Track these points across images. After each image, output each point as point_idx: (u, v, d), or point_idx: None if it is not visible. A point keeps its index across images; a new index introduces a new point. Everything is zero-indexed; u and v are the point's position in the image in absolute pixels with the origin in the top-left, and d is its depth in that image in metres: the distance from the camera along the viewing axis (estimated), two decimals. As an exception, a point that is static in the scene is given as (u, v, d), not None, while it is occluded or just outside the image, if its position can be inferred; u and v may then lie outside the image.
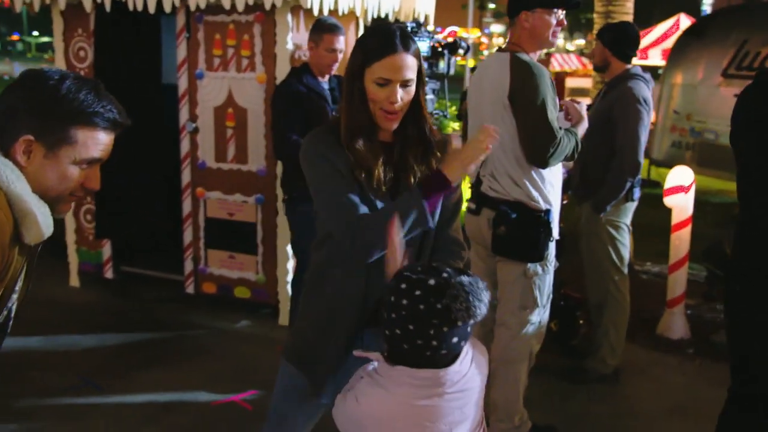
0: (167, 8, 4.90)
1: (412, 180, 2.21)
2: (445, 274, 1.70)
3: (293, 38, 4.89)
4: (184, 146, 5.31)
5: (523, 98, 3.31)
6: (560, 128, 3.33)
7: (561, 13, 3.38)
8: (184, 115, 5.26)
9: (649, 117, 4.20)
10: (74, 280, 5.88)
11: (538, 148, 3.32)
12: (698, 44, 10.05)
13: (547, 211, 3.43)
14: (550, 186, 3.46)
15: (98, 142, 1.68)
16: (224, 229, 5.30)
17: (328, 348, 2.32)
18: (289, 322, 4.57)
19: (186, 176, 5.34)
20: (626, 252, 4.42)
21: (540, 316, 3.55)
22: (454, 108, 8.22)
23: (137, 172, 5.44)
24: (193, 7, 4.84)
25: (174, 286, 5.63)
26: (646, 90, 4.23)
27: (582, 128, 3.46)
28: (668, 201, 5.08)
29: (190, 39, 5.14)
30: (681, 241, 5.10)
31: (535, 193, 3.40)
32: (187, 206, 5.37)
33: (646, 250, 7.03)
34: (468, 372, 1.77)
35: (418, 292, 1.68)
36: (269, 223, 5.15)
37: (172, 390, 4.25)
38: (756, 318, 2.84)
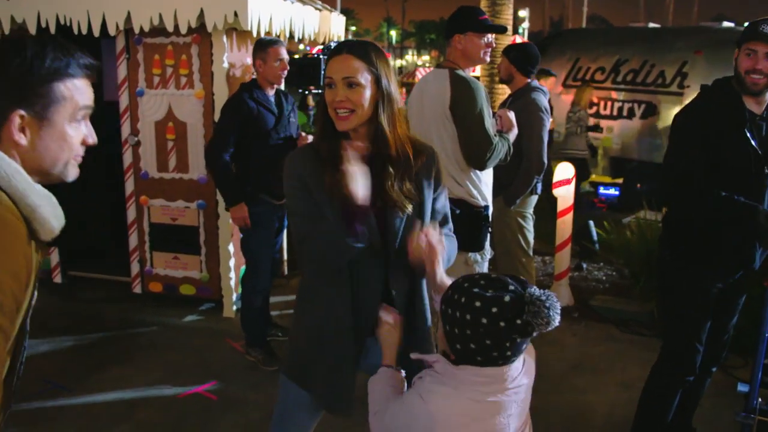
0: (111, 31, 4.37)
1: (389, 185, 1.92)
2: (512, 287, 1.47)
3: (228, 57, 4.50)
4: (127, 158, 4.79)
5: (462, 109, 3.13)
6: (495, 135, 3.17)
7: (490, 36, 3.23)
8: (126, 129, 4.74)
9: (549, 123, 4.13)
10: (22, 287, 5.18)
11: (477, 153, 3.15)
12: (543, 60, 10.33)
13: (486, 207, 3.28)
14: (485, 186, 3.32)
15: (82, 90, 1.35)
16: (168, 232, 4.83)
17: (325, 362, 2.04)
18: (241, 315, 4.20)
19: (130, 186, 4.82)
20: (531, 237, 4.35)
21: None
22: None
23: (83, 183, 4.89)
24: (137, 30, 4.33)
25: (121, 287, 5.09)
26: (545, 100, 4.16)
27: (512, 134, 3.32)
28: (556, 192, 5.05)
29: (129, 60, 4.63)
30: (565, 224, 5.09)
31: (474, 192, 3.24)
32: (131, 213, 4.86)
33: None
34: (522, 367, 1.57)
35: (495, 310, 1.44)
36: (210, 225, 4.73)
37: (136, 386, 3.80)
38: (680, 275, 2.84)
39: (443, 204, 2.12)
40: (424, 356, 1.63)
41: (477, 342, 1.46)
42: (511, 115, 3.34)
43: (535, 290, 1.45)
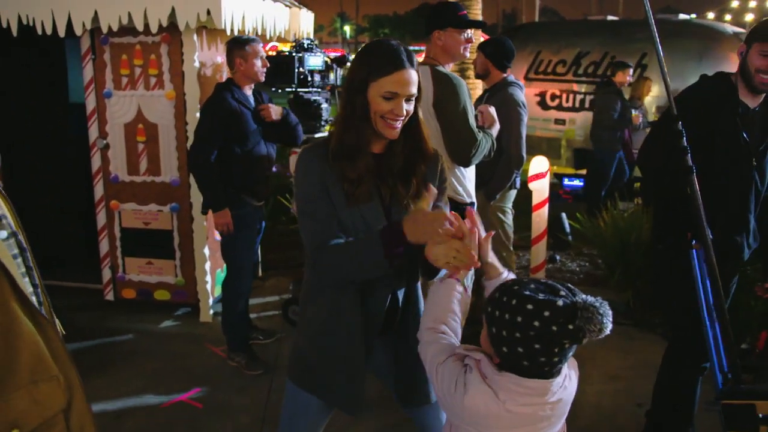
0: (78, 31, 4.23)
1: (403, 189, 1.94)
2: (563, 292, 1.45)
3: (199, 56, 4.41)
4: (96, 162, 4.66)
5: (445, 106, 3.14)
6: (478, 131, 3.18)
7: (469, 32, 3.24)
8: (93, 132, 4.61)
9: (526, 117, 4.16)
10: (-13, 298, 5.00)
11: (461, 149, 3.17)
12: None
13: (472, 204, 3.29)
14: (469, 182, 3.34)
15: None
16: (141, 237, 4.72)
17: (336, 368, 2.03)
18: (222, 320, 4.12)
19: (99, 190, 4.69)
20: (511, 232, 4.37)
21: (467, 292, 3.43)
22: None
23: (50, 188, 4.75)
24: (104, 30, 4.20)
25: (92, 294, 4.96)
26: (522, 95, 4.18)
27: (495, 130, 3.34)
28: (531, 186, 5.10)
29: (96, 60, 4.50)
30: (541, 218, 5.14)
31: (459, 189, 3.26)
32: (101, 218, 4.73)
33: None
34: (563, 382, 1.55)
35: (547, 313, 1.42)
36: (185, 228, 4.64)
37: (118, 397, 3.70)
38: (674, 266, 2.88)
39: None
40: (469, 352, 1.61)
41: (525, 346, 1.45)
42: (492, 110, 3.36)
43: (587, 297, 1.43)
